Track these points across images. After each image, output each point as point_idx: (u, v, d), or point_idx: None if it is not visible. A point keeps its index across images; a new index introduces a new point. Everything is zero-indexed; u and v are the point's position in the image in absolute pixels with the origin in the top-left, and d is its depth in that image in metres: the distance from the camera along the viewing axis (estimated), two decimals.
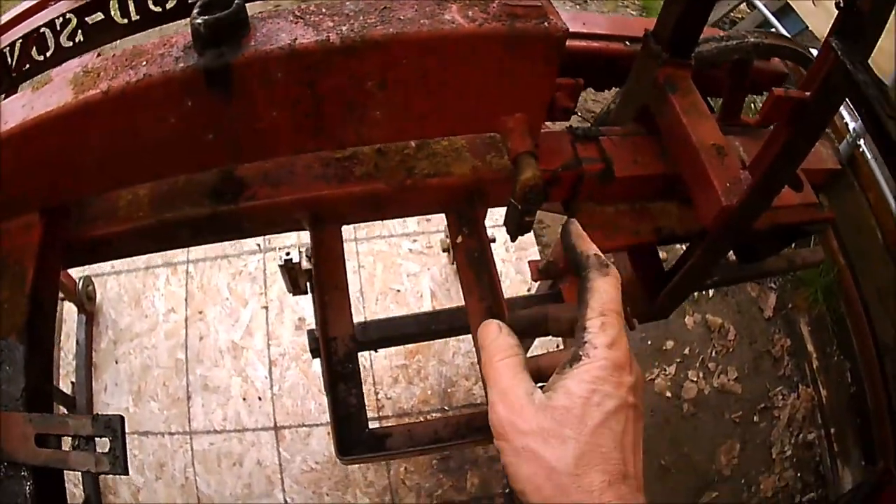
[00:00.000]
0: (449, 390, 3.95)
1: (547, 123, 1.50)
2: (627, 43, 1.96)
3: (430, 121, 1.31)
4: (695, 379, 4.25)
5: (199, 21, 1.02)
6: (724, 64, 1.85)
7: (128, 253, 1.56)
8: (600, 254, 1.06)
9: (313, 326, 1.78)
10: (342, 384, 1.44)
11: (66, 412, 3.62)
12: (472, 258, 1.52)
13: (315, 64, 1.10)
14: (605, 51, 1.94)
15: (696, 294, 4.47)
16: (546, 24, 1.17)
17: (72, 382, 3.90)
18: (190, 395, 3.95)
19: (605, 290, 1.00)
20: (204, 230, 1.52)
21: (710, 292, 4.57)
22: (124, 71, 1.07)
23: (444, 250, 4.20)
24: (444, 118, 1.31)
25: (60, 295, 3.88)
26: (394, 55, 1.13)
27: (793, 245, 2.06)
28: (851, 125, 3.62)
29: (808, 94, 1.34)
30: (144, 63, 1.07)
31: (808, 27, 4.60)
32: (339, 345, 1.47)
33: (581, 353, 0.95)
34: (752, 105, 4.09)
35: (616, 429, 0.91)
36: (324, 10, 1.13)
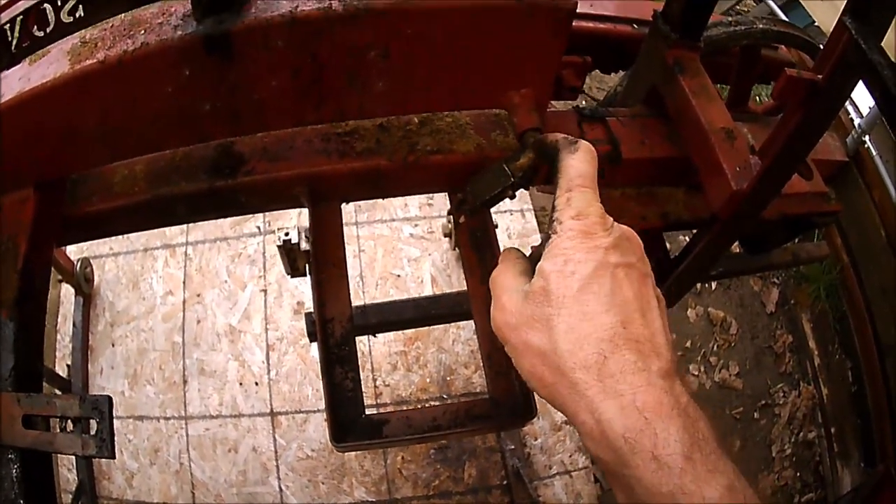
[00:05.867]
0: (448, 378, 3.92)
1: (553, 103, 1.47)
2: (635, 26, 1.95)
3: (433, 93, 1.29)
4: (696, 373, 4.23)
5: None
6: (733, 50, 1.85)
7: (124, 229, 1.55)
8: (569, 136, 1.06)
9: (311, 310, 1.75)
10: (339, 367, 1.41)
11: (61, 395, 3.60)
12: (475, 238, 1.50)
13: (316, 32, 1.08)
14: (613, 32, 1.93)
15: (698, 286, 4.45)
16: None
17: (67, 365, 3.89)
18: (186, 379, 3.93)
19: (571, 166, 0.99)
20: (201, 206, 1.49)
21: (713, 285, 4.55)
22: (121, 40, 1.05)
23: (445, 235, 4.06)
24: (448, 91, 1.29)
25: (58, 277, 3.99)
26: (398, 24, 1.11)
27: (797, 239, 2.04)
28: (857, 120, 3.58)
29: (820, 76, 1.31)
30: (143, 32, 1.05)
31: (814, 21, 4.57)
32: (336, 326, 1.45)
33: (550, 231, 0.95)
34: (758, 98, 4.07)
35: (601, 291, 0.89)
36: None
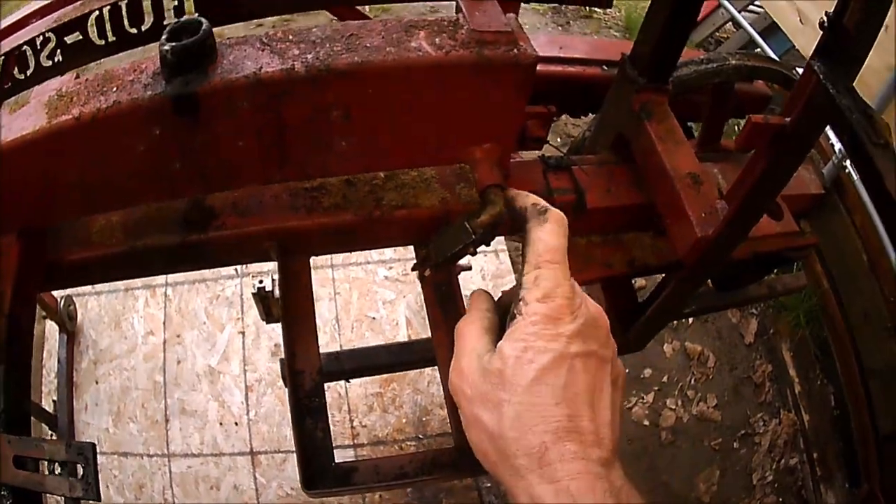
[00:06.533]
0: (424, 419, 3.89)
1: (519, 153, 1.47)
2: (605, 67, 1.96)
3: (396, 152, 1.30)
4: (673, 407, 4.21)
5: (166, 48, 1.01)
6: (705, 87, 1.82)
7: (103, 279, 1.56)
8: (539, 201, 1.06)
9: None
10: (309, 419, 1.42)
11: (48, 430, 3.76)
12: (440, 292, 1.50)
13: (280, 93, 1.08)
14: (582, 76, 1.94)
15: (674, 321, 4.43)
16: (516, 50, 1.14)
17: (53, 401, 3.92)
18: (168, 418, 3.95)
19: (540, 240, 0.99)
20: (175, 259, 1.49)
21: (690, 319, 4.54)
22: (95, 97, 1.06)
23: (419, 278, 4.02)
24: (410, 150, 1.30)
25: (43, 314, 3.98)
26: (359, 85, 1.11)
27: (774, 271, 2.02)
28: (837, 146, 3.58)
29: (787, 120, 1.30)
30: (115, 89, 1.06)
31: (794, 46, 4.58)
32: (306, 378, 1.45)
33: (515, 311, 0.94)
34: (736, 127, 4.08)
35: (556, 383, 0.88)
36: (291, 37, 1.12)
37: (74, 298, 4.19)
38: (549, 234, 0.99)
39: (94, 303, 4.30)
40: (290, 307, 1.52)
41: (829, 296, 4.02)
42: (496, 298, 1.10)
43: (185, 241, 1.42)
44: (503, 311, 1.03)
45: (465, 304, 1.14)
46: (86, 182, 1.19)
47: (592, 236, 1.70)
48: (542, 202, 1.06)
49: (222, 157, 1.17)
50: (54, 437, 3.75)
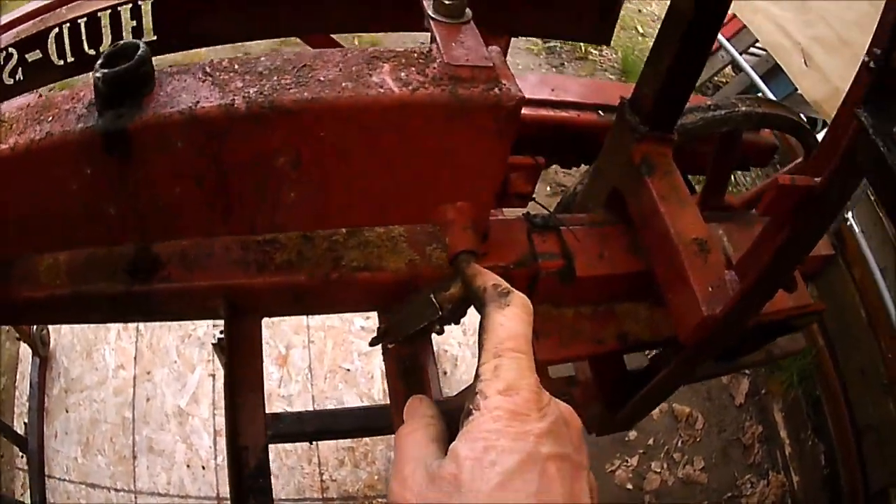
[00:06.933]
0: None
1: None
2: (601, 113, 1.83)
3: (354, 208, 1.16)
4: (658, 470, 4.17)
5: (98, 74, 0.91)
6: (710, 137, 1.70)
7: (53, 320, 1.48)
8: (501, 282, 0.93)
9: None
10: (252, 500, 1.29)
11: (18, 451, 3.83)
12: (403, 367, 1.36)
13: (218, 133, 0.96)
14: (575, 122, 1.82)
15: None
16: (497, 90, 1.00)
17: (24, 423, 3.92)
18: (136, 454, 3.93)
19: (501, 326, 0.85)
20: (120, 308, 1.32)
21: None
22: (32, 126, 0.97)
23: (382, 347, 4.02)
24: (370, 205, 1.16)
25: (16, 335, 4.11)
26: (308, 126, 0.98)
27: None
28: None
29: (817, 180, 1.13)
30: (51, 118, 0.96)
31: (797, 90, 4.49)
32: (250, 456, 1.31)
33: (472, 406, 0.79)
34: (733, 178, 4.00)
35: (526, 489, 0.72)
36: (236, 67, 1.00)
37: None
38: (512, 319, 0.86)
39: (66, 329, 4.28)
40: (236, 372, 1.37)
41: (824, 353, 4.08)
42: (439, 400, 0.99)
43: (129, 290, 1.27)
44: (450, 417, 0.89)
45: (437, 369, 0.98)
46: (21, 218, 1.08)
47: (581, 307, 1.51)
48: (505, 284, 0.93)
49: (160, 204, 1.05)
50: (24, 459, 3.78)
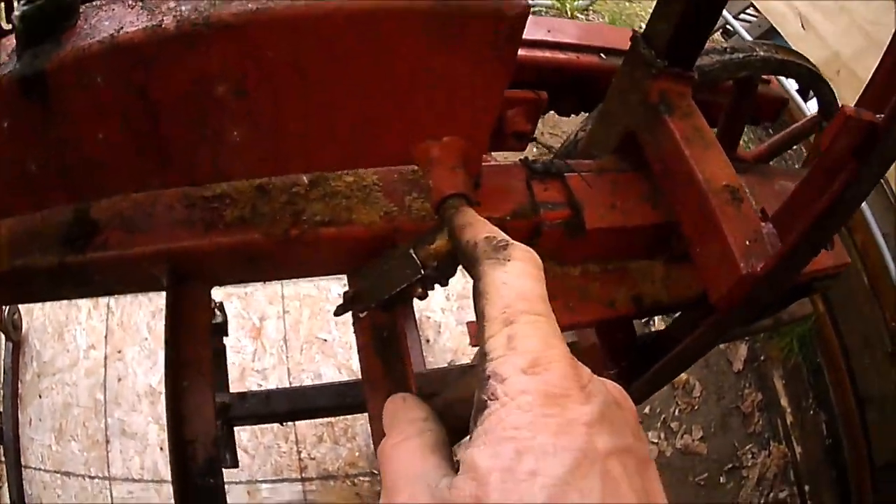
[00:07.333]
0: None
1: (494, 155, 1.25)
2: (603, 56, 1.69)
3: (314, 149, 1.02)
4: (655, 440, 4.12)
5: (17, 13, 0.86)
6: (722, 85, 1.58)
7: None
8: (497, 233, 0.75)
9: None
10: None
11: None
12: (380, 339, 1.14)
13: (144, 61, 0.86)
14: (575, 64, 1.68)
15: None
16: None
17: None
18: (108, 438, 3.83)
19: (505, 285, 0.67)
20: (56, 283, 1.16)
21: None
22: None
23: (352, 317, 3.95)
24: (334, 145, 1.02)
25: None
26: (253, 44, 0.85)
27: None
28: None
29: (879, 115, 0.98)
30: None
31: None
32: (198, 450, 1.11)
33: (484, 396, 0.59)
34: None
35: (587, 500, 0.52)
36: None
37: (20, 307, 4.05)
38: (518, 276, 0.67)
39: (38, 312, 4.19)
40: (179, 352, 1.14)
41: (824, 320, 4.02)
42: (430, 397, 0.79)
43: (63, 262, 1.10)
44: (448, 417, 0.74)
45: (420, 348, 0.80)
46: None
47: (590, 265, 1.34)
48: (502, 234, 0.74)
49: (84, 155, 0.97)
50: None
